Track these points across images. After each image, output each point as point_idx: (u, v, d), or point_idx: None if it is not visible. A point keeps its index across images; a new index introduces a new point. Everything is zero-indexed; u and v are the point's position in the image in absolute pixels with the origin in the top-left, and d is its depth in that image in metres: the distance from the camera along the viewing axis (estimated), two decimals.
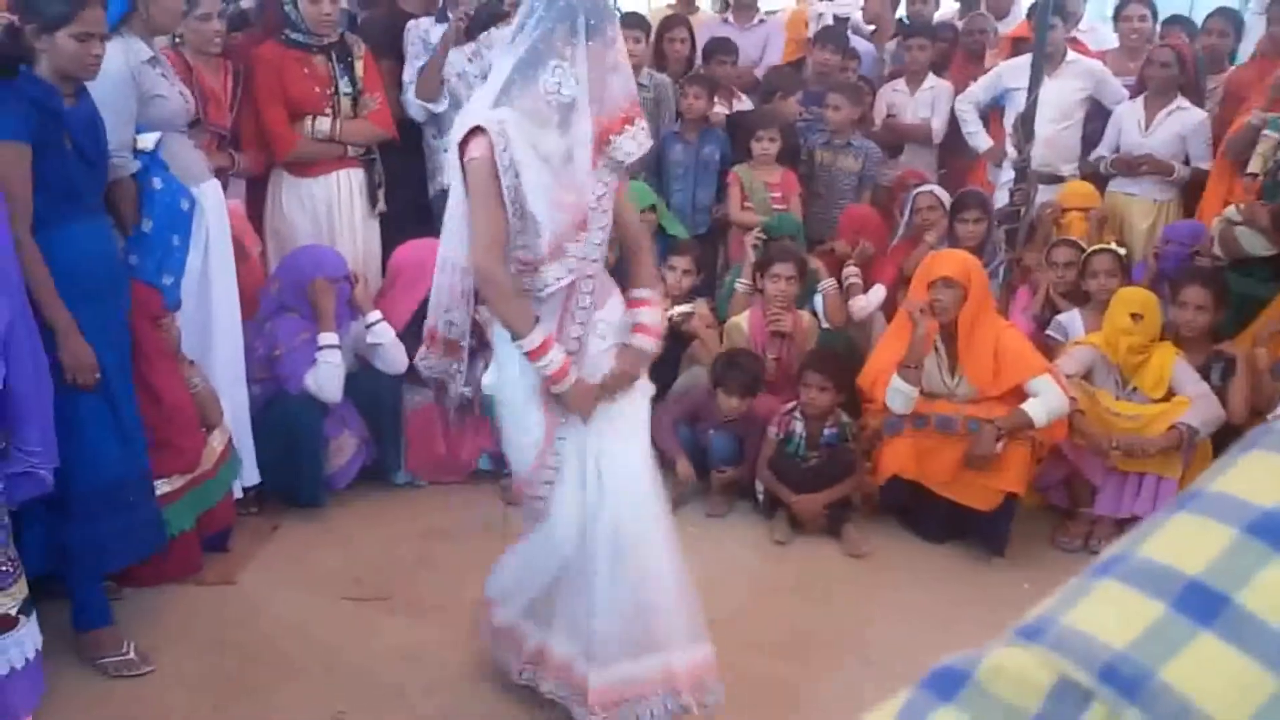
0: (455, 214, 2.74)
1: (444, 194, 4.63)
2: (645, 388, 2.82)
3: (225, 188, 4.03)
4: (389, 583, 3.68)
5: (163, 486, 3.35)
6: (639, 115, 2.62)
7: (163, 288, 3.48)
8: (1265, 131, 4.73)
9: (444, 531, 4.06)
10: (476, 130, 2.51)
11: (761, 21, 6.39)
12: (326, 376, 4.00)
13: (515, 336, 2.57)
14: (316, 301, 4.03)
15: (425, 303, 4.23)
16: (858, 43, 6.35)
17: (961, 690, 0.56)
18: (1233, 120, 5.00)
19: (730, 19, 6.44)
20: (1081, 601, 0.55)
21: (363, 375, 4.26)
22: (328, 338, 4.02)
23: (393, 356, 4.23)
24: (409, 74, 4.53)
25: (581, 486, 2.71)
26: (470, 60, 4.57)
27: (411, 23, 4.77)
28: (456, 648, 3.31)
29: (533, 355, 2.57)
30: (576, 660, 2.80)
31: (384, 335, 4.21)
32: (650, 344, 2.80)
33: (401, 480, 4.36)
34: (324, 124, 4.28)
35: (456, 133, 2.60)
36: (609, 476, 2.70)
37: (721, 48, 5.84)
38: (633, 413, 2.78)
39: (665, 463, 4.19)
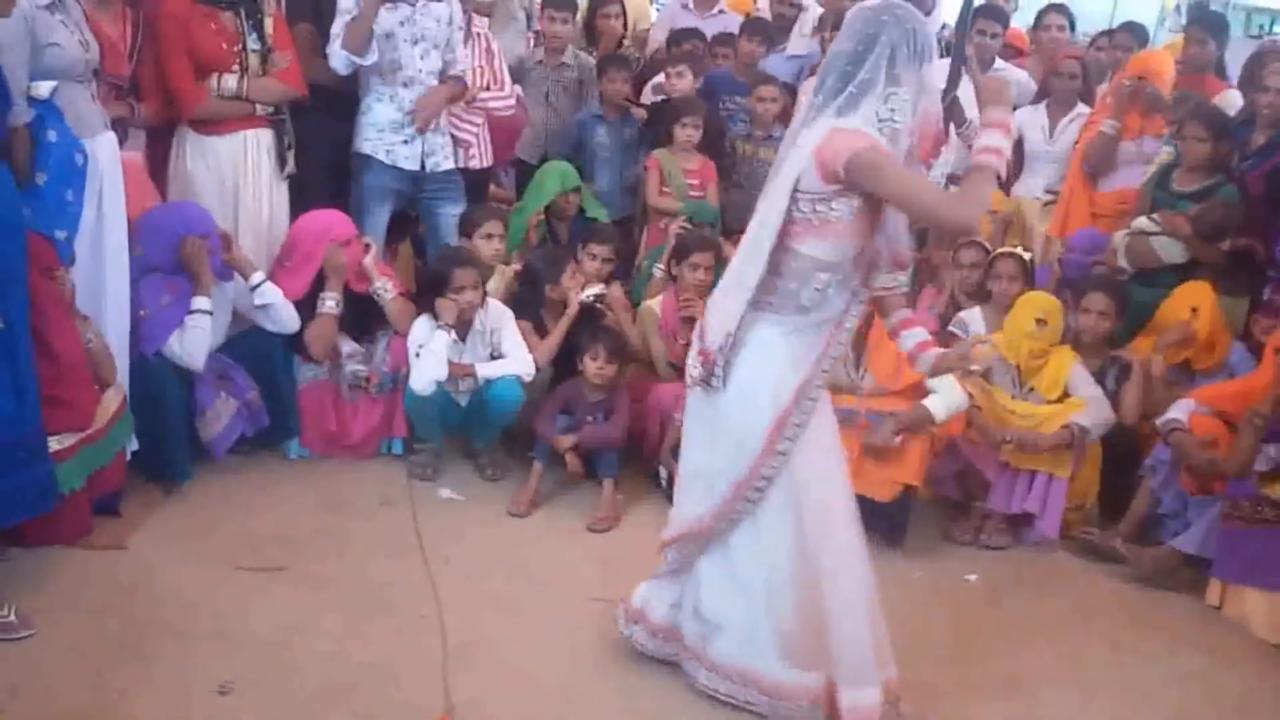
0: (758, 237, 2.76)
1: (363, 157, 4.65)
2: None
3: (124, 138, 3.92)
4: (285, 553, 3.63)
5: (54, 444, 3.26)
6: (946, 139, 2.80)
7: (56, 242, 3.38)
8: (1164, 147, 4.91)
9: (344, 504, 4.02)
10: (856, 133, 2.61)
11: (721, 12, 6.41)
12: (192, 341, 3.88)
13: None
14: (189, 262, 3.91)
15: (320, 275, 4.22)
16: (805, 43, 6.42)
17: None
18: None
19: (690, 5, 6.45)
20: None
21: (250, 337, 4.18)
22: (201, 302, 3.90)
23: (282, 316, 4.15)
24: (337, 27, 4.47)
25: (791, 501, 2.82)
26: (402, 24, 4.52)
27: None
28: (351, 620, 3.29)
29: None
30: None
31: (271, 295, 4.12)
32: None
33: (294, 454, 4.30)
34: (231, 81, 4.18)
35: (806, 144, 2.67)
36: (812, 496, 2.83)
37: (685, 34, 5.86)
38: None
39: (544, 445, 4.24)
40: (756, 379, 2.78)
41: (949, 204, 2.64)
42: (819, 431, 2.84)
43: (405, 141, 4.63)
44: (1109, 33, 6.40)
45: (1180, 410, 4.08)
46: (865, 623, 2.82)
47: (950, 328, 4.67)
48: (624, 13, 5.90)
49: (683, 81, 5.54)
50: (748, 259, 2.77)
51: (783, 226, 2.70)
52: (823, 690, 2.88)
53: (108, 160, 3.63)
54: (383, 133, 4.63)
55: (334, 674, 3.05)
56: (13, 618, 3.05)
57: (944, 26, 6.51)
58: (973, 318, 4.63)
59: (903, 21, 2.63)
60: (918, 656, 3.40)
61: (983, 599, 3.84)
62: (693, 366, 2.90)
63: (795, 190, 2.67)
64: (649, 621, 3.15)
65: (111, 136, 3.70)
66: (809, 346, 2.80)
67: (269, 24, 4.26)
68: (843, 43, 2.67)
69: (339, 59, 4.47)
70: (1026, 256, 4.70)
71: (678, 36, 5.83)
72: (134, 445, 3.80)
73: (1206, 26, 5.50)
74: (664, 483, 4.28)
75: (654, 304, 4.65)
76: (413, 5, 4.52)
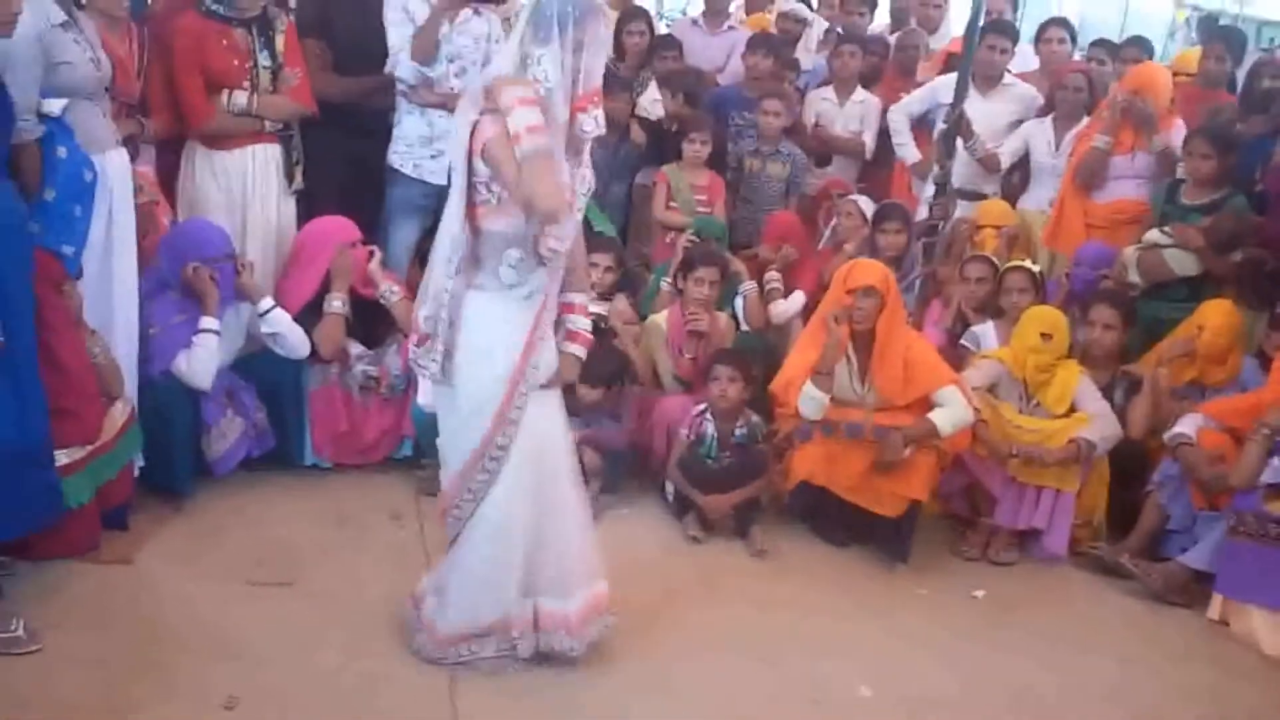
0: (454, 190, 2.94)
1: (392, 171, 4.69)
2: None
3: (135, 155, 3.95)
4: (292, 568, 3.64)
5: (62, 457, 3.27)
6: (598, 101, 2.87)
7: (63, 257, 3.42)
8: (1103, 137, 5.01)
9: (351, 518, 4.03)
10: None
11: (731, 28, 6.44)
12: (199, 360, 3.89)
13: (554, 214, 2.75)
14: (192, 285, 3.94)
15: (326, 279, 4.25)
16: (810, 58, 6.47)
17: None
18: None
19: (701, 21, 6.48)
20: None
21: (262, 359, 4.19)
22: (208, 322, 3.93)
23: (292, 343, 4.16)
24: (395, 40, 4.57)
25: (530, 444, 3.00)
26: (436, 44, 4.58)
27: None
28: (360, 633, 3.30)
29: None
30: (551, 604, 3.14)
31: (279, 324, 4.13)
32: (582, 352, 3.15)
33: (309, 461, 4.29)
34: (241, 98, 4.23)
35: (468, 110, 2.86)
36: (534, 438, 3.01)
37: (664, 44, 5.90)
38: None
39: None
40: (479, 357, 2.94)
41: (541, 197, 2.73)
42: (543, 403, 3.02)
43: (433, 156, 4.68)
44: (1103, 43, 6.44)
45: (1188, 425, 4.08)
46: (576, 554, 3.14)
47: (962, 342, 4.67)
48: (649, 30, 5.95)
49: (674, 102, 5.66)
50: (446, 236, 2.95)
51: (469, 209, 2.88)
52: (530, 612, 3.12)
53: (118, 177, 3.66)
54: (411, 147, 4.69)
55: (340, 688, 3.06)
56: (20, 632, 3.06)
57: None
58: (985, 331, 4.63)
59: None
60: (923, 671, 3.41)
61: (990, 615, 3.83)
62: (411, 353, 3.09)
63: (471, 178, 2.86)
64: (416, 596, 3.30)
65: (123, 153, 3.73)
66: (524, 320, 2.95)
67: (280, 41, 4.30)
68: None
69: (407, 69, 4.57)
70: (1036, 269, 4.70)
71: (659, 48, 5.87)
72: (140, 461, 3.82)
73: (1227, 44, 5.50)
74: (669, 498, 4.28)
75: (660, 318, 4.66)
76: (450, 24, 4.58)
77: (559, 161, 2.83)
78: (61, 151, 3.43)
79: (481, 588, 3.08)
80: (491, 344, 2.93)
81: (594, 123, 2.85)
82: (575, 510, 3.14)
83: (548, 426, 3.05)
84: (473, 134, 2.83)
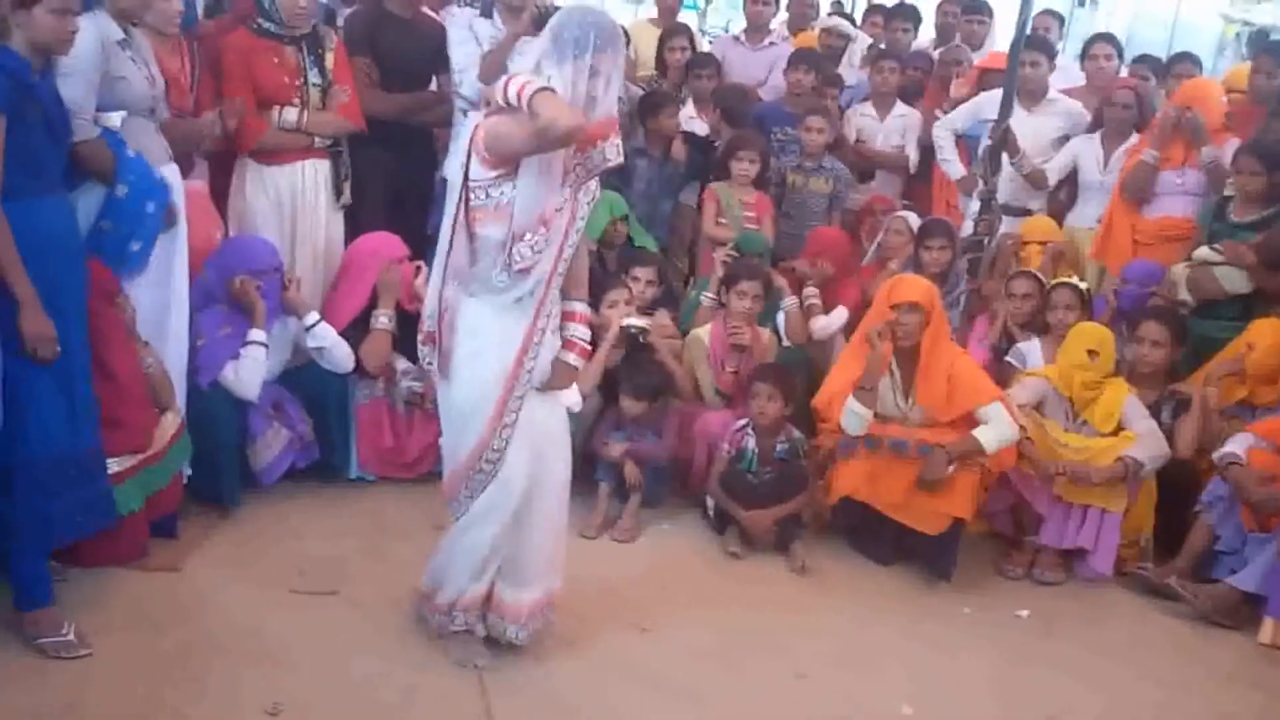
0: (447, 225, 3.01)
1: (445, 182, 4.73)
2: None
3: (190, 169, 4.02)
4: (336, 577, 3.67)
5: (114, 466, 3.33)
6: (614, 133, 2.89)
7: (129, 254, 3.50)
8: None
9: (394, 528, 4.06)
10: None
11: (772, 44, 6.46)
12: (247, 371, 3.95)
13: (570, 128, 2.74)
14: (240, 297, 4.00)
15: (374, 295, 4.30)
16: (854, 74, 6.47)
17: None
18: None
19: (742, 37, 6.51)
20: None
21: (309, 372, 4.24)
22: (256, 334, 3.98)
23: (337, 357, 4.20)
24: (460, 59, 4.71)
25: (528, 445, 3.05)
26: (521, 46, 4.66)
27: (454, 11, 4.89)
28: (401, 643, 3.33)
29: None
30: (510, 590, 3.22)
31: (325, 338, 4.17)
32: (577, 361, 3.12)
33: (353, 474, 4.33)
34: (291, 114, 4.29)
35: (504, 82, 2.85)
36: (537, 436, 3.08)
37: (700, 62, 5.93)
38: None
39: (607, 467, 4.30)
40: (474, 360, 2.99)
41: (561, 117, 2.72)
42: (544, 406, 3.09)
43: None
44: (1146, 59, 6.41)
45: (1238, 444, 4.02)
46: (546, 554, 3.21)
47: (1008, 358, 4.65)
48: (691, 46, 5.98)
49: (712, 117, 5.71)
50: (444, 242, 3.01)
51: (466, 215, 2.94)
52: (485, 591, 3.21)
53: (171, 191, 3.73)
54: None
55: (377, 698, 3.08)
56: (71, 636, 3.11)
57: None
58: (1031, 348, 4.61)
59: (570, 15, 2.86)
60: (965, 690, 3.38)
61: (1034, 635, 3.80)
62: (420, 350, 3.14)
63: (468, 183, 2.92)
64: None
65: (174, 168, 3.79)
66: (518, 325, 2.97)
67: (330, 58, 4.36)
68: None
69: (471, 88, 4.68)
70: (1083, 286, 4.67)
71: (695, 67, 5.90)
72: (188, 470, 3.87)
73: (1277, 59, 5.44)
74: (710, 512, 4.28)
75: (702, 332, 4.67)
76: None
77: (554, 184, 2.89)
78: (131, 151, 3.50)
79: (455, 564, 3.18)
80: (485, 348, 2.98)
81: (615, 151, 2.90)
82: (557, 515, 3.21)
83: (547, 429, 3.12)
84: (471, 139, 2.91)
